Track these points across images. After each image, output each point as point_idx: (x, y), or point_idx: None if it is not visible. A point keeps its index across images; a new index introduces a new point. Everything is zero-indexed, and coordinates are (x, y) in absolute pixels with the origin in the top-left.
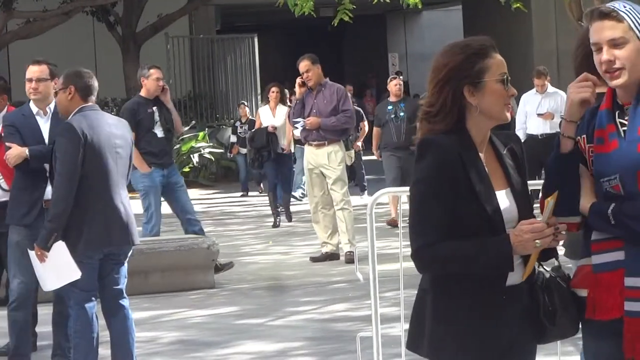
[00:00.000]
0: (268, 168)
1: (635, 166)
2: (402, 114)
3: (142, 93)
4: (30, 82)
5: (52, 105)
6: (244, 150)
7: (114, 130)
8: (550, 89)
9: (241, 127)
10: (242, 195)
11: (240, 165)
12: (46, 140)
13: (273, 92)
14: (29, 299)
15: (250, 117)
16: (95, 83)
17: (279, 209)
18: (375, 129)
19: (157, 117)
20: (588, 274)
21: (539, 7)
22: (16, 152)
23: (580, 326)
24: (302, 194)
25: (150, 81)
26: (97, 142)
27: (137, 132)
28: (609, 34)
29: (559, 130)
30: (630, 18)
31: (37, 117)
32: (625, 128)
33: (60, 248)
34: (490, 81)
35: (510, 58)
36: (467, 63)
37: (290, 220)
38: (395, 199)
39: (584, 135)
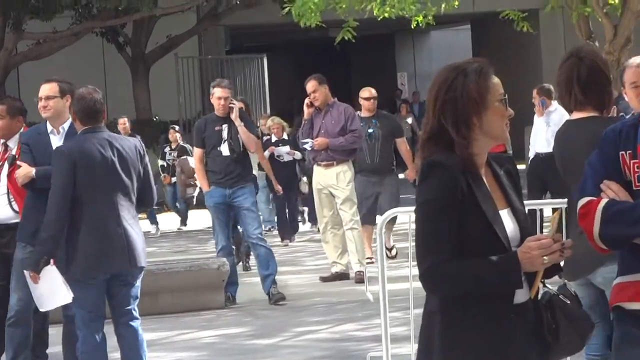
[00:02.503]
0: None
1: None
2: (371, 130)
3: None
4: (40, 100)
5: (66, 125)
6: (174, 179)
7: (115, 152)
8: (552, 107)
9: (170, 154)
10: (178, 229)
11: (170, 195)
12: None
13: None
14: (28, 317)
15: (180, 143)
16: (98, 105)
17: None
18: None
19: (224, 134)
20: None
21: (548, 27)
22: (24, 172)
23: (586, 343)
24: (271, 227)
25: (214, 99)
26: (90, 165)
27: (205, 149)
28: None
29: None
30: None
31: (51, 136)
32: None
33: (51, 271)
34: (492, 101)
35: (519, 77)
36: (470, 83)
37: (245, 264)
38: (368, 231)
39: (629, 151)
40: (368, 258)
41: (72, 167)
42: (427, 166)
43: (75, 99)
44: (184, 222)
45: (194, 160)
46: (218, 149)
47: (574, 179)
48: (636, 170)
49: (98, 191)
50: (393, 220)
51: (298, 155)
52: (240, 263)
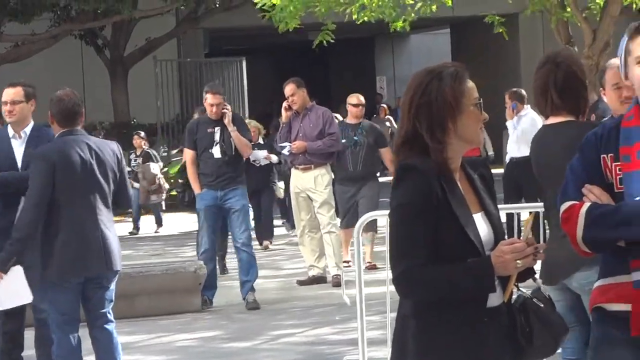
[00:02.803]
0: None
1: None
2: (356, 137)
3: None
4: (5, 105)
5: (27, 129)
6: (136, 185)
7: (94, 155)
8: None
9: (135, 160)
10: (131, 233)
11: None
12: (19, 165)
13: None
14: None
15: (145, 149)
16: (76, 107)
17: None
18: None
19: (217, 137)
20: (626, 290)
21: (527, 31)
22: None
23: (560, 346)
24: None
25: (206, 104)
26: (68, 169)
27: (197, 151)
28: None
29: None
30: None
31: (13, 140)
32: None
33: (16, 271)
34: (467, 105)
35: (499, 81)
36: (445, 87)
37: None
38: (349, 235)
39: (611, 154)
40: (345, 262)
41: (51, 170)
42: (402, 170)
43: (54, 101)
44: (135, 228)
45: (187, 161)
46: (210, 151)
47: (551, 183)
48: (618, 173)
49: (76, 194)
50: (373, 226)
51: (275, 159)
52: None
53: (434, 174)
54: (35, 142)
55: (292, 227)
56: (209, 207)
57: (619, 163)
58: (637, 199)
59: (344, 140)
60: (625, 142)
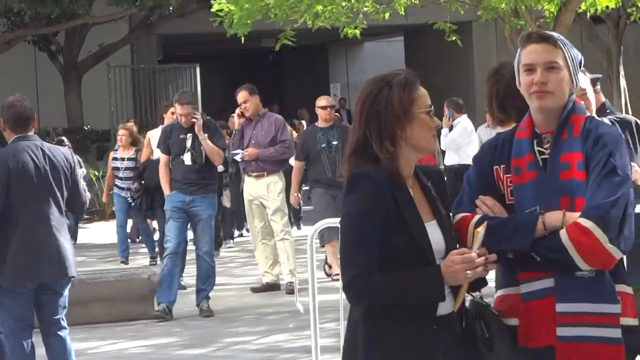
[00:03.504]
0: (160, 214)
1: (557, 195)
2: (335, 142)
3: None
4: None
5: None
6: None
7: (47, 160)
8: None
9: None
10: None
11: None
12: None
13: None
14: None
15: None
16: (28, 111)
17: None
18: (296, 164)
19: (188, 144)
20: (515, 303)
21: (480, 39)
22: None
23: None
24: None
25: (176, 114)
26: (23, 174)
27: (170, 155)
28: (546, 56)
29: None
30: (564, 47)
31: None
32: (545, 156)
33: None
34: (418, 113)
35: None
36: (394, 96)
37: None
38: (334, 248)
39: (502, 166)
40: (336, 274)
41: (5, 174)
42: (353, 178)
43: (5, 107)
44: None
45: (160, 165)
46: (181, 157)
47: None
48: (509, 184)
49: (30, 199)
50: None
51: (220, 167)
52: None
53: (385, 182)
54: None
55: (229, 237)
56: (175, 209)
57: (510, 175)
58: (527, 211)
59: (323, 145)
60: (516, 154)
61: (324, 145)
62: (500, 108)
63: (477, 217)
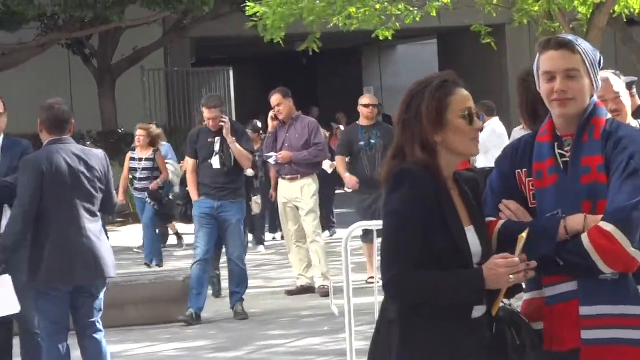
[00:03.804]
0: None
1: (578, 198)
2: (373, 141)
3: None
4: None
5: (0, 139)
6: None
7: (82, 163)
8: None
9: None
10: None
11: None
12: None
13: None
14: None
15: None
16: (66, 114)
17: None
18: (338, 158)
19: (216, 148)
20: (540, 307)
21: (513, 42)
22: None
23: None
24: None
25: (204, 117)
26: (58, 176)
27: (197, 159)
28: (565, 64)
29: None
30: (583, 52)
31: None
32: (565, 159)
33: (4, 281)
34: (452, 118)
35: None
36: (424, 102)
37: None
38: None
39: (525, 169)
40: (370, 277)
41: (39, 177)
42: (397, 175)
43: (44, 109)
44: None
45: (187, 170)
46: (209, 161)
47: None
48: (531, 188)
49: (64, 202)
50: (369, 237)
51: (250, 172)
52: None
53: (430, 182)
54: (11, 152)
55: (259, 243)
56: (204, 215)
57: (532, 179)
58: (549, 215)
59: (363, 144)
60: (538, 158)
61: (363, 143)
62: (532, 116)
63: (501, 222)
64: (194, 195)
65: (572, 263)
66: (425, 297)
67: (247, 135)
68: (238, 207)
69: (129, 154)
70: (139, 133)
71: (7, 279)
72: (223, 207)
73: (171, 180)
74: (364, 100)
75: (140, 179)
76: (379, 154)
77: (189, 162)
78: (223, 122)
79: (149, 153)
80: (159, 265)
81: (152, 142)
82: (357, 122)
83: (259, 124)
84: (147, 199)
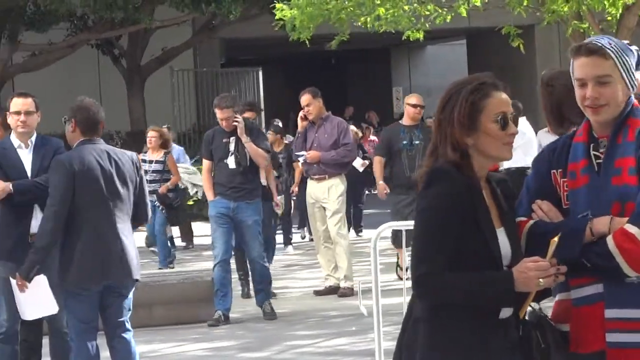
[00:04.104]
0: None
1: (608, 200)
2: (416, 142)
3: None
4: (18, 115)
5: (33, 138)
6: None
7: (114, 164)
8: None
9: None
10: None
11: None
12: (29, 173)
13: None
14: (16, 334)
15: None
16: (99, 116)
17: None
18: (376, 159)
19: (231, 148)
20: (568, 309)
21: (543, 42)
22: (0, 187)
23: None
24: None
25: (218, 118)
26: (90, 176)
27: (213, 160)
28: (596, 71)
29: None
30: (615, 56)
31: (19, 150)
32: (599, 161)
33: (40, 281)
34: (485, 121)
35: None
36: (458, 104)
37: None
38: (401, 253)
39: (560, 170)
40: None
41: (72, 177)
42: (432, 174)
43: (79, 109)
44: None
45: (203, 171)
46: (225, 161)
47: None
48: (565, 189)
49: (96, 202)
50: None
51: (274, 172)
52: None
53: (464, 182)
54: (42, 150)
55: (287, 243)
56: (220, 215)
57: (566, 179)
58: (579, 217)
59: (405, 142)
60: (573, 159)
61: (405, 142)
62: (558, 119)
63: (531, 222)
64: (209, 195)
65: (597, 265)
66: (453, 297)
67: (262, 134)
68: (254, 208)
69: (140, 156)
70: (151, 135)
71: (42, 279)
72: (239, 208)
73: (184, 183)
74: (412, 99)
75: (149, 182)
76: (419, 155)
77: (204, 163)
78: (236, 121)
79: (160, 155)
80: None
81: (164, 144)
82: (400, 122)
83: (280, 124)
84: (156, 202)
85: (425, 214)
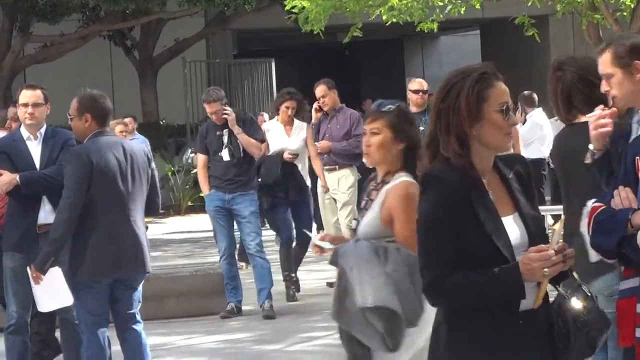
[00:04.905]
0: (281, 214)
1: None
2: (422, 128)
3: None
4: (26, 107)
5: (42, 130)
6: None
7: (127, 156)
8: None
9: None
10: None
11: None
12: (37, 165)
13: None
14: (26, 325)
15: None
16: (109, 106)
17: (294, 277)
18: None
19: (225, 140)
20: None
21: (557, 32)
22: (7, 179)
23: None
24: None
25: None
26: (105, 168)
27: (208, 155)
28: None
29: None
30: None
31: (28, 142)
32: None
33: (55, 273)
34: (488, 111)
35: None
36: (463, 93)
37: (297, 291)
38: None
39: None
40: None
41: (89, 170)
42: (425, 179)
43: (93, 101)
44: None
45: (198, 165)
46: (219, 154)
47: (573, 185)
48: None
49: (111, 196)
50: None
51: None
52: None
53: (458, 181)
54: (51, 142)
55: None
56: (217, 209)
57: None
58: (626, 209)
59: None
60: None
61: None
62: (566, 105)
63: (601, 208)
64: (204, 189)
65: (631, 259)
66: (464, 299)
67: (255, 125)
68: (250, 198)
69: None
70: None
71: (57, 271)
72: (234, 199)
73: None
74: (413, 85)
75: None
76: None
77: (199, 158)
78: (226, 114)
79: None
80: None
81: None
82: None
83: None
84: None
85: (422, 222)
